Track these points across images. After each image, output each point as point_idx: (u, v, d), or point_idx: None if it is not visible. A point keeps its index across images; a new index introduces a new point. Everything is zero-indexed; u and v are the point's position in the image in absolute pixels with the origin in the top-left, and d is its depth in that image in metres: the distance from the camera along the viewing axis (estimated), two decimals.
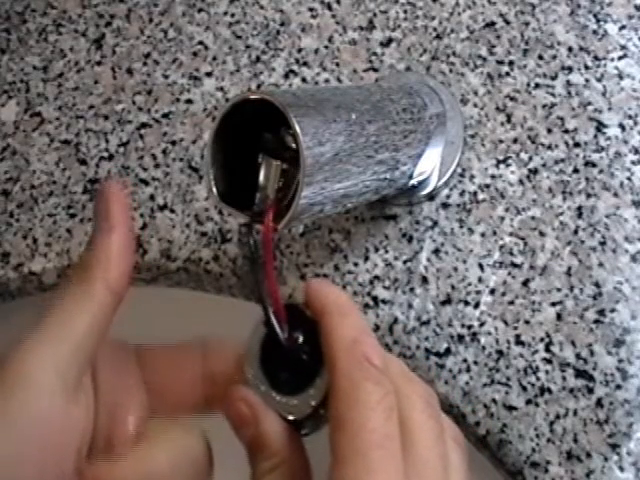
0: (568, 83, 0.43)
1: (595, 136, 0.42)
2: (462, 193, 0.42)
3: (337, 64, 0.46)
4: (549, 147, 0.42)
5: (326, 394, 0.28)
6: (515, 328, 0.39)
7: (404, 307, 0.40)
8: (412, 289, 0.41)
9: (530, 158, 0.42)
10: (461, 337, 0.39)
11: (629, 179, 0.41)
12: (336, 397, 0.26)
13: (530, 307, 0.39)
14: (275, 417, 0.28)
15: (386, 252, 0.42)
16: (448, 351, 0.39)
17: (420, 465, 0.26)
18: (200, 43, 0.48)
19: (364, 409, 0.26)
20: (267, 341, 0.29)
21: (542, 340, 0.39)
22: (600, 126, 0.42)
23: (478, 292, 0.40)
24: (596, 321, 0.39)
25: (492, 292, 0.40)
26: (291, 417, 0.28)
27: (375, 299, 0.41)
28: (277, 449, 0.28)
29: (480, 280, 0.40)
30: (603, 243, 0.40)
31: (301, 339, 0.29)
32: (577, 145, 0.42)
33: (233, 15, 0.48)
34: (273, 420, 0.28)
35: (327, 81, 0.45)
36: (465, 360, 0.39)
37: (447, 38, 0.45)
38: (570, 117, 0.42)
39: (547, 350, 0.39)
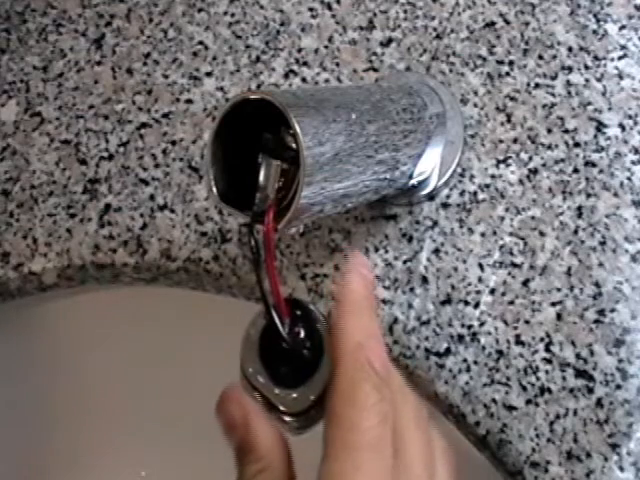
0: (568, 83, 0.43)
1: (595, 136, 0.42)
2: (462, 193, 0.42)
3: (337, 64, 0.46)
4: (549, 147, 0.42)
5: (324, 389, 0.28)
6: (515, 328, 0.39)
7: (404, 307, 0.40)
8: (412, 289, 0.41)
9: (530, 158, 0.42)
10: (461, 337, 0.39)
11: (629, 179, 0.41)
12: (334, 394, 0.27)
13: (530, 307, 0.39)
14: (265, 421, 0.28)
15: (386, 252, 0.42)
16: (448, 351, 0.39)
17: (405, 474, 0.27)
18: (200, 43, 0.48)
19: (360, 409, 0.26)
20: (266, 333, 0.29)
21: (542, 340, 0.39)
22: (600, 126, 0.42)
23: (478, 292, 0.40)
24: (596, 321, 0.39)
25: (492, 292, 0.40)
26: (288, 410, 0.28)
27: (375, 299, 0.41)
28: (265, 453, 0.28)
29: (480, 280, 0.40)
30: (603, 243, 0.40)
31: (302, 334, 0.29)
32: (577, 145, 0.42)
33: (233, 15, 0.48)
34: (263, 424, 0.28)
35: (327, 81, 0.45)
36: (465, 360, 0.39)
37: (447, 38, 0.45)
38: (570, 117, 0.42)
39: (547, 350, 0.39)
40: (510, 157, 0.42)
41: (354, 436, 0.26)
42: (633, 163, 0.41)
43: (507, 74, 0.43)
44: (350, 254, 0.31)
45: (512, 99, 0.43)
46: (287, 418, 0.29)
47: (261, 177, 0.29)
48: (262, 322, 0.29)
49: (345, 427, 0.26)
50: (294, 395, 0.28)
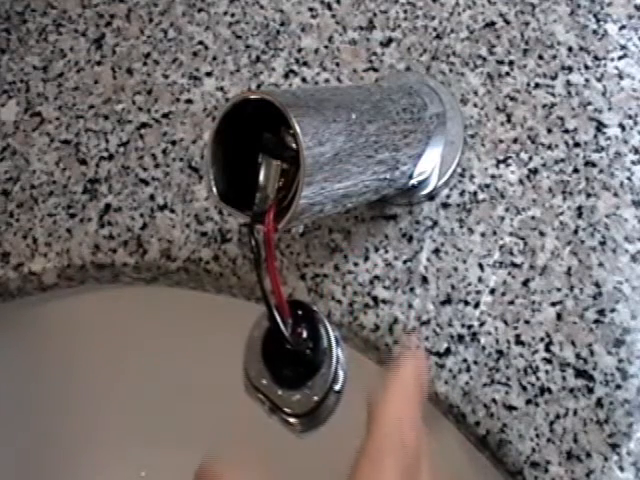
0: (568, 83, 0.43)
1: (595, 136, 0.42)
2: (462, 193, 0.42)
3: (337, 64, 0.46)
4: (549, 147, 0.42)
5: (328, 391, 0.28)
6: (515, 328, 0.39)
7: (404, 307, 0.40)
8: (412, 289, 0.41)
9: (530, 158, 0.42)
10: (461, 337, 0.39)
11: (629, 179, 0.41)
12: (362, 457, 0.28)
13: (530, 307, 0.39)
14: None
15: (386, 252, 0.42)
16: (448, 351, 0.39)
17: None
18: (200, 43, 0.48)
19: (382, 476, 0.27)
20: (269, 336, 0.29)
21: (542, 340, 0.39)
22: (600, 126, 0.42)
23: (478, 292, 0.40)
24: (596, 321, 0.39)
25: (492, 292, 0.40)
26: (292, 411, 0.28)
27: (375, 299, 0.41)
28: None
29: (480, 280, 0.40)
30: (603, 243, 0.40)
31: (305, 334, 0.29)
32: (577, 145, 0.42)
33: (233, 15, 0.48)
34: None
35: (327, 81, 0.45)
36: (465, 360, 0.39)
37: (447, 38, 0.45)
38: (570, 117, 0.42)
39: (547, 350, 0.39)
40: (510, 157, 0.42)
41: None
42: (633, 163, 0.41)
43: (507, 74, 0.43)
44: (408, 337, 0.31)
45: (512, 99, 0.43)
46: (291, 419, 0.29)
47: (261, 177, 0.29)
48: (265, 324, 0.29)
49: None
50: (298, 396, 0.28)
